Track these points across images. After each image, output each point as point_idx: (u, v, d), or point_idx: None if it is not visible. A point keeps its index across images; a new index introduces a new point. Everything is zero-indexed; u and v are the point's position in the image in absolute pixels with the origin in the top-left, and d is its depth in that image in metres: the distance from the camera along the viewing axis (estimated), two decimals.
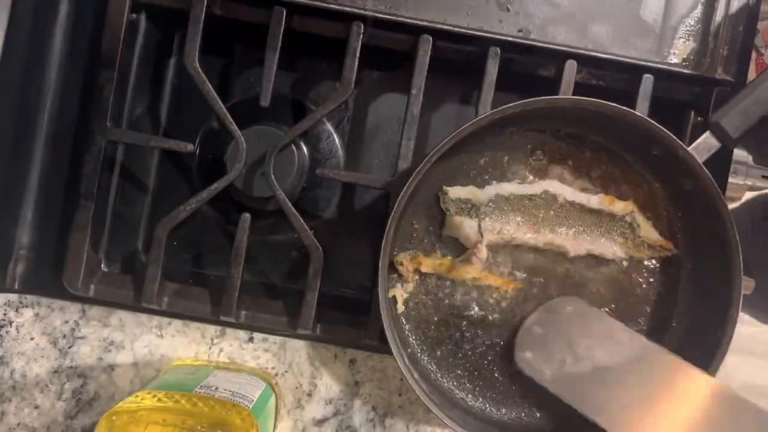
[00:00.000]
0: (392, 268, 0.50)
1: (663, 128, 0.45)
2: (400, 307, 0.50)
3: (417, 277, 0.51)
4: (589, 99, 0.45)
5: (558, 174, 0.51)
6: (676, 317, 0.51)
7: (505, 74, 0.51)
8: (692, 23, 0.53)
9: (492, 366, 0.51)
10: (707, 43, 0.52)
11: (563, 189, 0.51)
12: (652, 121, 0.45)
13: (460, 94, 0.56)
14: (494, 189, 0.50)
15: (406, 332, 0.51)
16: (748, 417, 0.40)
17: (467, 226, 0.49)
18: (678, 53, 0.53)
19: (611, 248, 0.51)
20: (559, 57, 0.51)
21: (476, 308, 0.51)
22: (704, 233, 0.48)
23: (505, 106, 0.45)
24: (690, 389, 0.43)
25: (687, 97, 0.54)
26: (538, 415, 0.51)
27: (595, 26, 0.52)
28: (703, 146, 0.47)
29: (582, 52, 0.51)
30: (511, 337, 0.51)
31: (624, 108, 0.45)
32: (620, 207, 0.50)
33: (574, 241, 0.51)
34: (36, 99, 0.53)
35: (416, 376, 0.48)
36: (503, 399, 0.51)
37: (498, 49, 0.51)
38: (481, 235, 0.49)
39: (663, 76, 0.51)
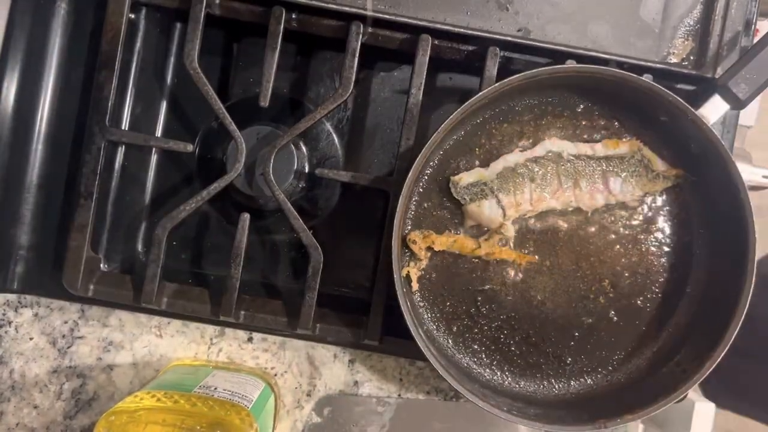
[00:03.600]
0: (404, 246, 0.50)
1: (670, 93, 0.45)
2: (415, 285, 0.51)
3: (429, 254, 0.51)
4: (593, 66, 0.46)
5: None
6: (691, 283, 0.51)
7: (505, 74, 0.51)
8: (692, 23, 0.53)
9: (508, 339, 0.51)
10: (707, 42, 0.52)
11: (564, 144, 0.50)
12: (659, 86, 0.46)
13: (460, 94, 0.56)
14: (500, 163, 0.50)
15: (421, 309, 0.51)
16: None
17: (486, 207, 0.50)
18: (677, 53, 0.52)
19: (628, 190, 0.50)
20: (558, 56, 0.51)
21: (490, 283, 0.51)
22: (715, 198, 0.48)
23: (509, 78, 0.46)
24: None
25: (687, 97, 0.54)
26: (556, 386, 0.51)
27: (595, 26, 0.52)
28: (711, 109, 0.46)
29: (581, 51, 0.51)
30: (526, 310, 0.51)
31: (629, 74, 0.45)
32: (626, 147, 0.50)
33: (590, 195, 0.50)
34: (36, 99, 0.53)
35: (433, 351, 0.48)
36: (521, 372, 0.51)
37: (497, 48, 0.51)
38: (504, 213, 0.50)
39: (662, 75, 0.51)
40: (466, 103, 0.46)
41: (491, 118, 0.51)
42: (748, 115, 0.55)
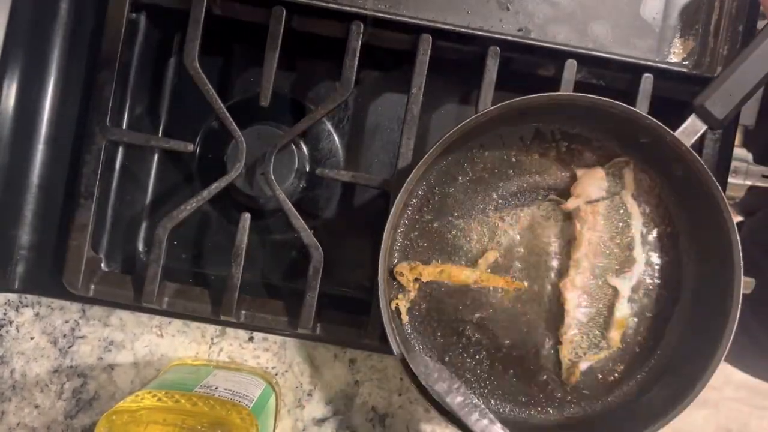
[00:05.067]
0: (392, 277, 0.50)
1: (648, 116, 0.46)
2: (404, 318, 0.50)
3: (418, 285, 0.50)
4: (565, 93, 0.47)
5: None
6: (681, 303, 0.51)
7: (505, 74, 0.51)
8: (692, 23, 0.53)
9: (501, 367, 0.51)
10: (707, 42, 0.52)
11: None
12: (636, 110, 0.46)
13: (460, 94, 0.56)
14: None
15: (412, 341, 0.51)
16: None
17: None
18: (678, 52, 0.52)
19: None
20: (559, 56, 0.51)
21: (480, 311, 0.51)
22: (701, 218, 0.48)
23: (488, 110, 0.46)
24: None
25: (687, 97, 0.54)
26: (550, 411, 0.51)
27: (595, 25, 0.52)
28: (690, 130, 0.46)
29: (582, 51, 0.51)
30: (517, 337, 0.51)
31: (603, 99, 0.45)
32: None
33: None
34: (36, 99, 0.53)
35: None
36: (514, 399, 0.51)
37: (498, 48, 0.51)
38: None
39: (663, 75, 0.51)
40: (444, 137, 0.46)
41: (473, 147, 0.51)
42: (748, 115, 0.55)
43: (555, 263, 0.51)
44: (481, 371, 0.51)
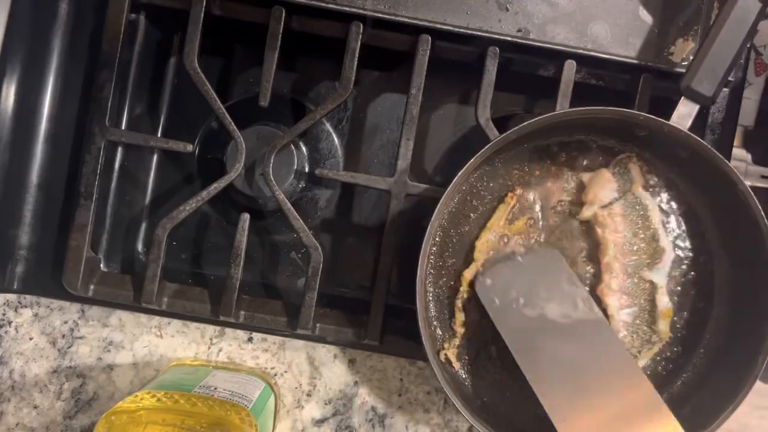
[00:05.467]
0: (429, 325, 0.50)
1: (641, 113, 0.46)
2: (456, 365, 0.50)
3: (464, 329, 0.50)
4: (557, 113, 0.47)
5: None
6: (716, 306, 0.51)
7: (505, 74, 0.51)
8: (691, 23, 0.53)
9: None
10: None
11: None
12: (627, 110, 0.46)
13: (460, 94, 0.56)
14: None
15: (466, 383, 0.51)
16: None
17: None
18: (677, 53, 0.52)
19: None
20: (558, 57, 0.51)
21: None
22: (719, 200, 0.48)
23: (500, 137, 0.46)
24: (619, 377, 0.46)
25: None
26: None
27: (595, 26, 0.52)
28: (684, 113, 0.47)
29: (581, 51, 0.51)
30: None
31: (597, 109, 0.46)
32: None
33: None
34: (36, 99, 0.53)
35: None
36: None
37: (497, 48, 0.51)
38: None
39: (662, 75, 0.51)
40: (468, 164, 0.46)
41: (477, 179, 0.51)
42: (747, 116, 0.55)
43: (588, 271, 0.51)
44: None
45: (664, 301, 0.50)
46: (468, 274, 0.50)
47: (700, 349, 0.51)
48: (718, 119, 0.53)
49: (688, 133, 0.46)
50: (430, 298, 0.51)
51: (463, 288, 0.50)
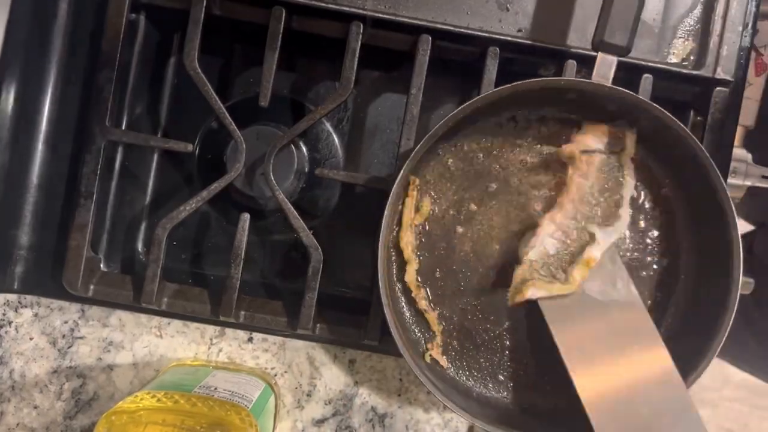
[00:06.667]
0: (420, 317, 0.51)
1: (562, 78, 0.47)
2: (444, 363, 0.51)
3: (442, 327, 0.51)
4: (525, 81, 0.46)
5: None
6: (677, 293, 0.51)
7: (505, 74, 0.51)
8: (692, 23, 0.53)
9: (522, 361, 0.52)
10: (707, 42, 0.52)
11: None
12: (550, 78, 0.47)
13: (460, 94, 0.56)
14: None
15: (452, 377, 0.51)
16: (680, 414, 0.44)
17: None
18: (677, 53, 0.52)
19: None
20: (558, 56, 0.51)
21: (509, 320, 0.52)
22: (692, 186, 0.49)
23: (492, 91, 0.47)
24: (647, 358, 0.47)
25: (687, 97, 0.54)
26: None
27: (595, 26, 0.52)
28: (603, 67, 0.47)
29: (581, 52, 0.51)
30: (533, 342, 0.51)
31: (522, 82, 0.46)
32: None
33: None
34: (36, 99, 0.53)
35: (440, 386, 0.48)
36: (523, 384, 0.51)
37: (497, 48, 0.51)
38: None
39: (663, 76, 0.51)
40: (436, 127, 0.46)
41: (463, 137, 0.51)
42: (748, 116, 0.55)
43: (539, 206, 0.51)
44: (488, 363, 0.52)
45: (593, 254, 0.50)
46: (409, 278, 0.50)
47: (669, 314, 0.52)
48: (718, 119, 0.53)
49: (612, 86, 0.46)
50: (403, 305, 0.51)
51: (414, 292, 0.50)
